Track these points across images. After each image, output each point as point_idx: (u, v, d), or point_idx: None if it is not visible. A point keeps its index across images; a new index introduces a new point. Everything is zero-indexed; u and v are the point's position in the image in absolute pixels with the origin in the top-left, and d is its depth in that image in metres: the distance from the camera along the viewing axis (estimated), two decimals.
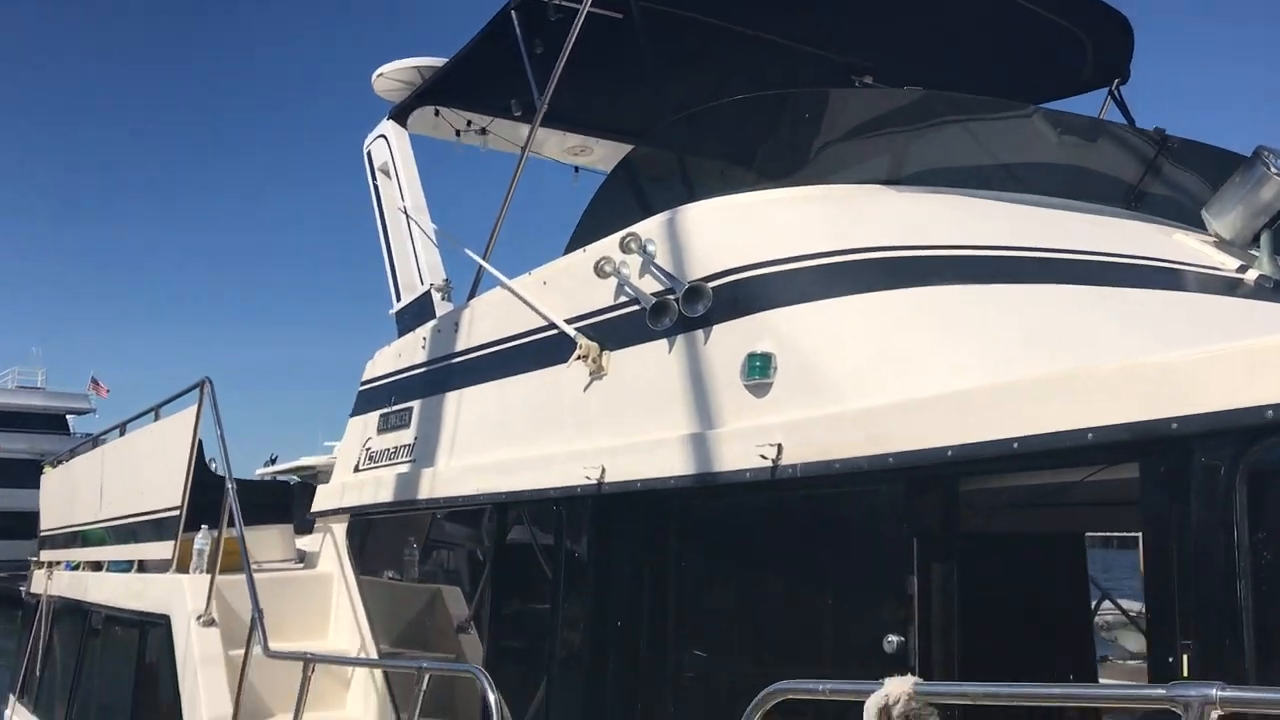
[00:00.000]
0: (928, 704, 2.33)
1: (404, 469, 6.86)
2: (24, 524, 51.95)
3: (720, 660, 4.62)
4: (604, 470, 4.91)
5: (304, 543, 10.40)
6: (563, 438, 5.39)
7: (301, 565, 8.36)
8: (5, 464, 54.56)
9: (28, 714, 11.79)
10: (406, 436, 6.98)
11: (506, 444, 5.87)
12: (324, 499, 7.88)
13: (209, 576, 7.13)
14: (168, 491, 7.93)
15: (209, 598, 6.82)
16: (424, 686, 4.35)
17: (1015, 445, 3.20)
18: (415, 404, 6.97)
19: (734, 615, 4.60)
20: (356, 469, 7.60)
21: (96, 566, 10.53)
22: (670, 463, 4.56)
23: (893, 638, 3.62)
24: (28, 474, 55.34)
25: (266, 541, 8.71)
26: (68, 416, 62.03)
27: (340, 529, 7.58)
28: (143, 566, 9.03)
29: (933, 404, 3.52)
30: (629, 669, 4.86)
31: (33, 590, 12.93)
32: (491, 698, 3.88)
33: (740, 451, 4.18)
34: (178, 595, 7.12)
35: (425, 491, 6.41)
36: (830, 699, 2.85)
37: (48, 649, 11.50)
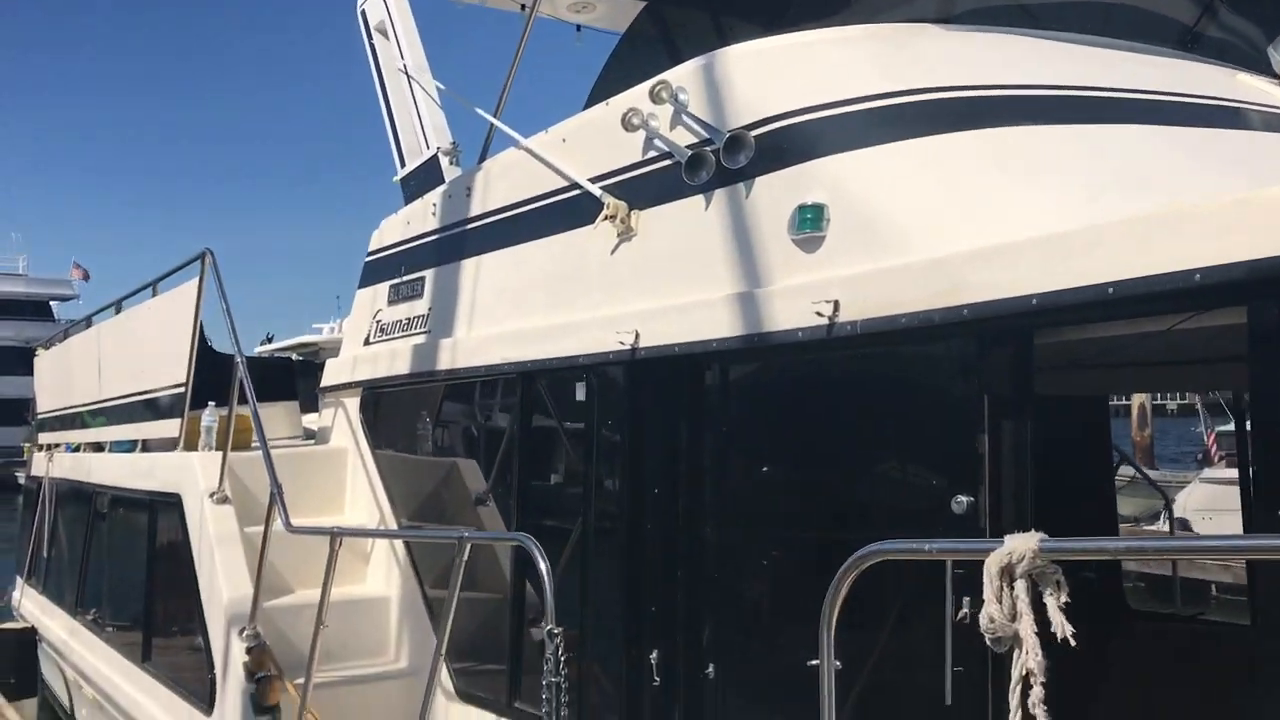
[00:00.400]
0: (1052, 561, 2.13)
1: (419, 340, 6.61)
2: (14, 411, 52.15)
3: (764, 529, 4.45)
4: (638, 335, 4.67)
5: (310, 420, 10.25)
6: (590, 303, 5.14)
7: (312, 442, 8.17)
8: None
9: (37, 595, 11.75)
10: (420, 307, 6.71)
11: (529, 312, 5.62)
12: (334, 373, 7.64)
13: (220, 454, 6.93)
14: (170, 369, 7.68)
15: (222, 475, 6.63)
16: (464, 558, 4.18)
17: (1110, 290, 2.96)
18: (428, 273, 6.69)
19: (780, 481, 4.42)
20: (367, 342, 7.35)
21: (98, 448, 10.35)
22: (711, 324, 4.32)
23: (962, 498, 3.43)
24: (16, 361, 55.40)
25: (272, 419, 8.49)
26: (52, 303, 61.52)
27: (353, 403, 7.37)
28: (146, 446, 8.84)
29: (1015, 251, 3.27)
30: (666, 539, 4.70)
31: (34, 473, 12.78)
32: (543, 566, 3.70)
33: (791, 309, 3.93)
34: (188, 473, 6.93)
35: (444, 363, 6.18)
36: (934, 559, 2.66)
37: (53, 531, 11.39)
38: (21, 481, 43.60)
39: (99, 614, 9.17)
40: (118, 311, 9.38)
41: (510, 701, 5.39)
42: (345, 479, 7.33)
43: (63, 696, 11.19)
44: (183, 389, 7.46)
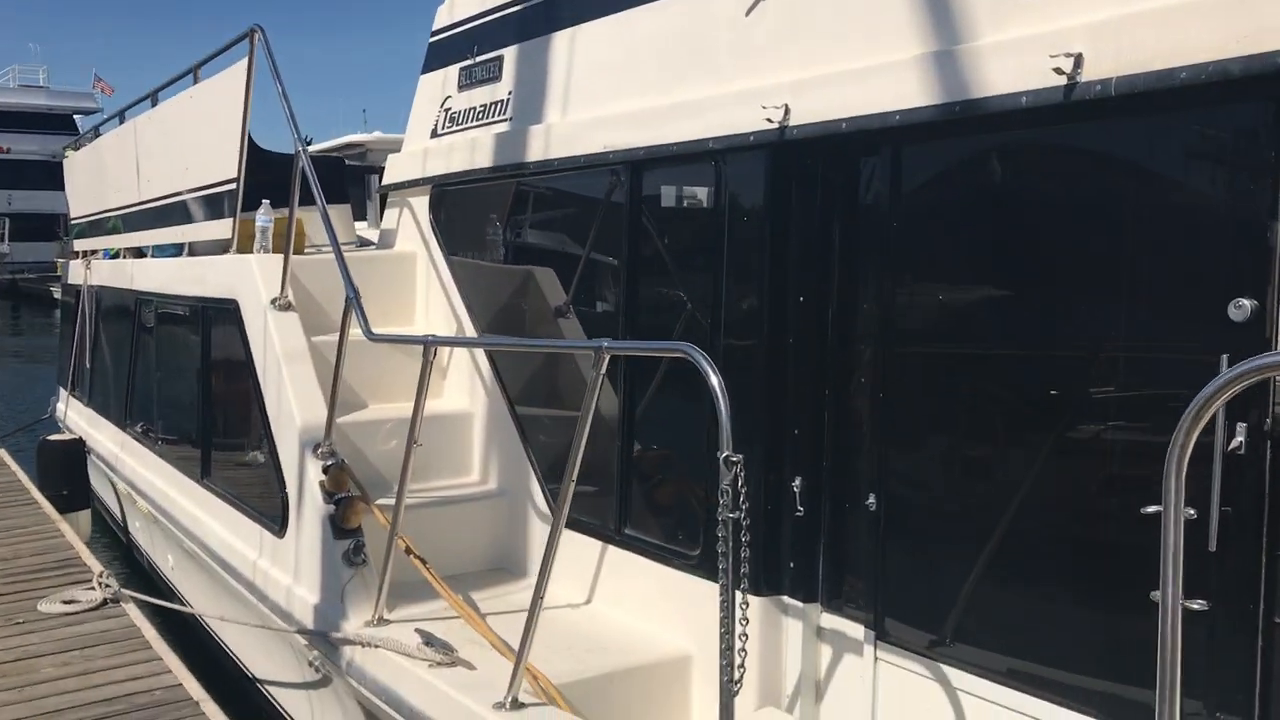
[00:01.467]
0: None
1: (500, 128, 5.86)
2: (45, 226, 51.95)
3: (944, 344, 3.77)
4: (787, 110, 3.91)
5: (360, 228, 9.58)
6: (719, 77, 4.36)
7: (373, 246, 7.52)
8: (19, 165, 53.66)
9: (81, 406, 11.36)
10: (498, 90, 5.93)
11: (637, 91, 4.85)
12: (398, 169, 6.91)
13: (280, 256, 6.28)
14: (218, 164, 6.97)
15: (284, 279, 5.99)
16: (603, 370, 3.54)
17: None
18: (508, 51, 5.87)
19: (974, 290, 3.70)
20: (435, 134, 6.59)
21: (139, 253, 9.76)
22: (890, 92, 3.55)
23: (1244, 301, 2.74)
24: (43, 175, 55.02)
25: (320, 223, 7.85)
26: (75, 116, 60.30)
27: (420, 203, 6.66)
28: (193, 250, 8.21)
29: None
30: (814, 354, 4.06)
31: (71, 281, 12.23)
32: (715, 381, 3.06)
33: (1014, 67, 3.16)
34: (246, 278, 6.30)
35: (531, 153, 5.43)
36: None
37: (95, 341, 10.91)
38: (57, 294, 43.73)
39: (149, 427, 8.72)
40: (154, 104, 8.60)
41: (619, 528, 4.86)
42: (415, 286, 6.69)
43: (114, 509, 10.92)
44: (233, 185, 6.76)
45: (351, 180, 9.91)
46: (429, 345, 4.49)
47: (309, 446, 5.44)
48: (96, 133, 11.04)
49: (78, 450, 10.74)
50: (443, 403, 6.29)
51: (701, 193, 4.51)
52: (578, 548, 5.04)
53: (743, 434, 4.27)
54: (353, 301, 5.09)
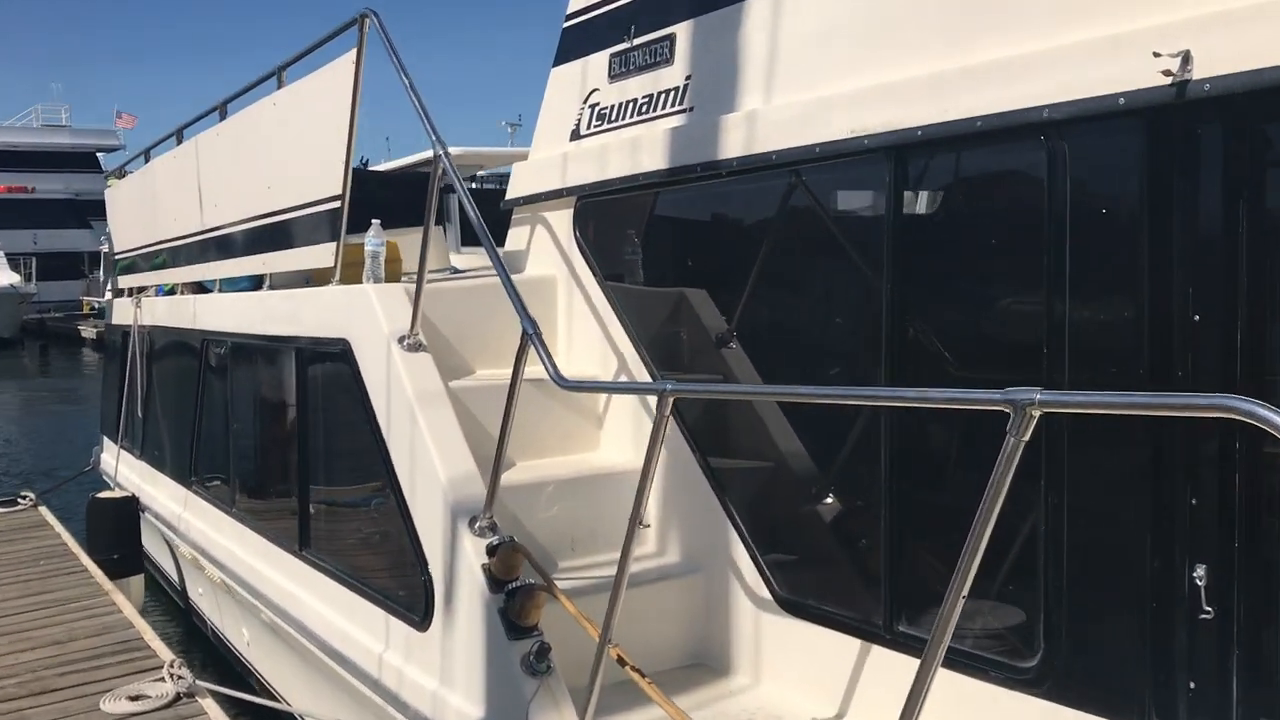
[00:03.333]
0: None
1: (673, 122, 4.79)
2: (71, 264, 51.38)
3: None
4: (1187, 58, 2.83)
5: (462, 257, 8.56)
6: (1054, 21, 3.27)
7: (467, 274, 6.46)
8: (44, 205, 53.20)
9: (133, 460, 10.30)
10: (670, 76, 4.87)
11: (896, 57, 3.77)
12: (527, 180, 5.84)
13: (402, 286, 5.23)
14: (313, 180, 5.92)
15: (416, 312, 4.91)
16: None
17: None
18: (681, 28, 4.82)
19: None
20: (577, 135, 5.53)
21: (199, 288, 8.71)
22: None
23: None
24: (67, 214, 54.63)
25: (413, 248, 6.79)
26: (99, 154, 59.90)
27: (560, 218, 5.60)
28: (272, 285, 7.18)
29: None
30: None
31: (116, 321, 11.20)
32: None
33: None
34: (362, 312, 5.22)
35: (730, 148, 4.35)
36: None
37: (147, 387, 9.86)
38: (85, 333, 42.89)
39: (222, 485, 7.64)
40: (223, 117, 7.55)
41: (889, 623, 3.74)
42: (556, 317, 5.62)
43: (171, 571, 9.85)
44: (335, 203, 5.71)
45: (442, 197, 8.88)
46: (665, 395, 3.37)
47: (461, 517, 4.35)
48: (146, 158, 10.02)
49: (130, 509, 9.70)
50: (601, 456, 5.21)
51: (1015, 181, 3.42)
52: (823, 644, 3.94)
53: (1105, 505, 3.17)
54: (532, 338, 3.99)
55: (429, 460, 4.57)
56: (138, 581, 9.71)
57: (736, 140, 4.29)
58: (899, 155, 3.65)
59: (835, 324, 4.16)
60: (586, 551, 4.77)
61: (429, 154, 9.50)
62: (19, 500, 11.30)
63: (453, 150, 9.40)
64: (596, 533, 4.82)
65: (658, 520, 4.88)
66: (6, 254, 44.12)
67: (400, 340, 4.92)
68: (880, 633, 3.76)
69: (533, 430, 5.10)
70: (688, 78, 4.74)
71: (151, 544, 10.02)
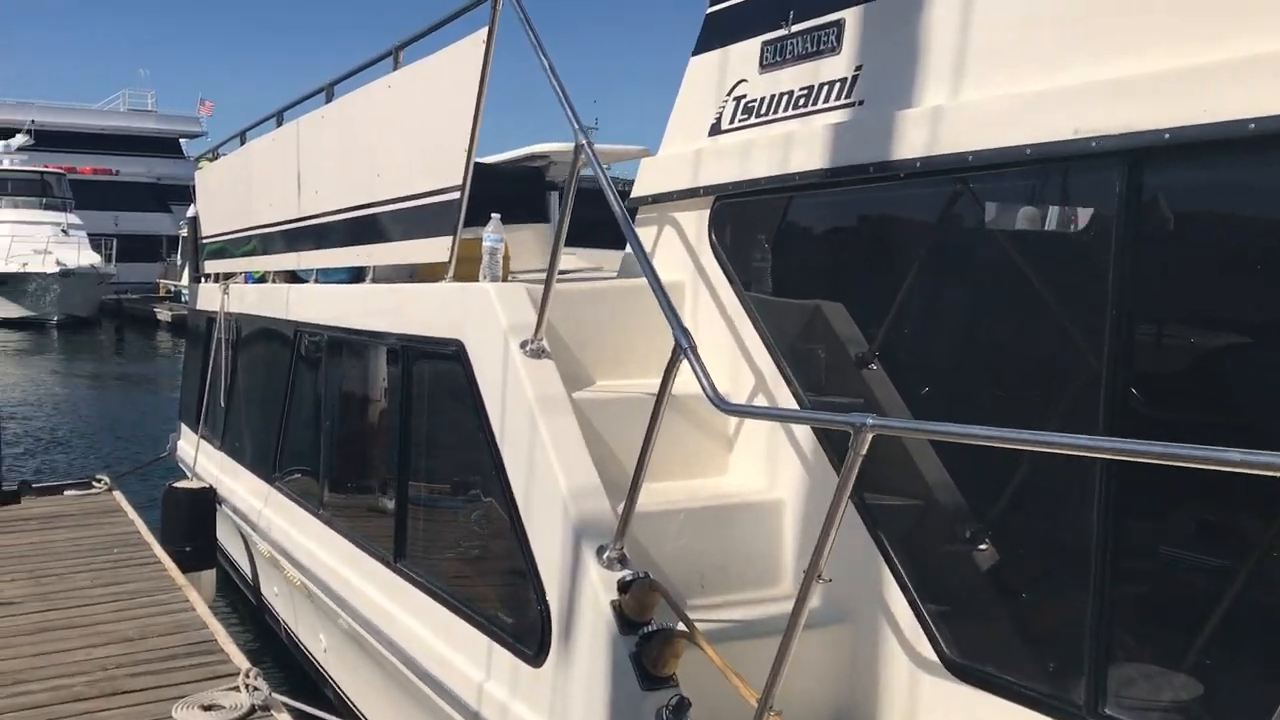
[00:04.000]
0: None
1: (835, 117, 4.32)
2: (149, 247, 52.03)
3: None
4: None
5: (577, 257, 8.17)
6: None
7: (606, 273, 6.03)
8: (127, 188, 54.07)
9: (212, 450, 10.02)
10: (834, 66, 4.39)
11: (1123, 48, 3.27)
12: (655, 178, 5.40)
13: (524, 286, 4.82)
14: (431, 167, 5.53)
15: (541, 316, 4.48)
16: None
17: None
18: (850, 13, 4.34)
19: None
20: (717, 130, 5.08)
21: (293, 277, 8.40)
22: None
23: None
24: (148, 197, 55.47)
25: (521, 246, 6.40)
26: (181, 140, 60.78)
27: (693, 219, 5.15)
28: (375, 278, 6.82)
29: None
30: None
31: (201, 307, 10.95)
32: None
33: None
34: (480, 312, 4.81)
35: (908, 147, 3.87)
36: None
37: (232, 376, 9.57)
38: (161, 316, 43.37)
39: (309, 485, 7.29)
40: (329, 98, 7.20)
41: (1095, 705, 3.22)
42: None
43: (244, 566, 9.55)
44: (453, 195, 5.31)
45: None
46: (863, 431, 2.88)
47: (587, 542, 3.91)
48: (242, 140, 9.73)
49: (207, 500, 9.42)
50: (731, 483, 4.74)
51: None
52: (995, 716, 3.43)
53: None
54: (686, 352, 3.53)
55: (550, 475, 4.14)
56: (209, 576, 9.43)
57: (920, 138, 3.81)
58: (1136, 161, 3.15)
59: (1036, 352, 3.64)
60: (717, 589, 4.31)
61: (538, 148, 9.17)
62: (94, 483, 11.12)
63: (558, 146, 9.05)
64: (728, 569, 4.36)
65: (796, 557, 4.41)
66: (88, 234, 44.75)
67: (522, 345, 4.50)
68: (1080, 714, 3.25)
69: (654, 449, 4.65)
70: (858, 68, 4.27)
71: (226, 537, 9.74)
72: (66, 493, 10.86)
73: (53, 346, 36.81)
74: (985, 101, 3.63)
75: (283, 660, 8.48)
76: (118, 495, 10.85)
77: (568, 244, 8.71)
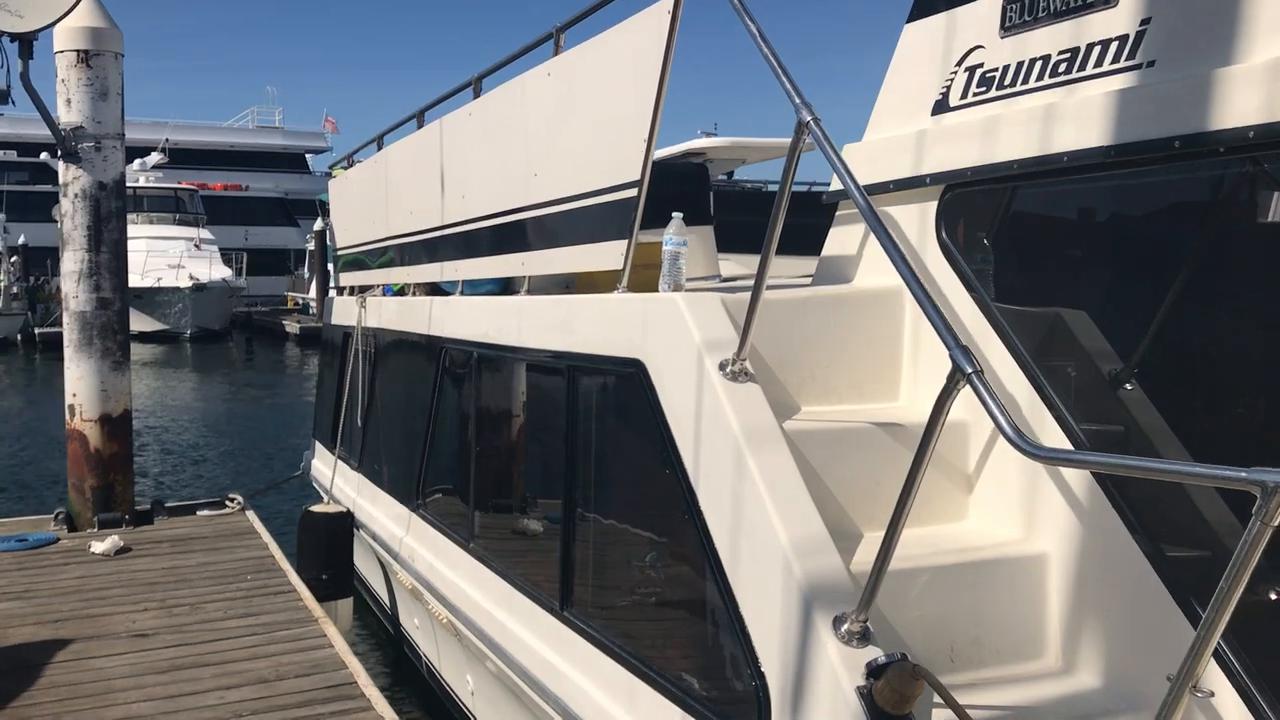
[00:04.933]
0: None
1: (1117, 83, 3.51)
2: (277, 260, 53.07)
3: None
4: None
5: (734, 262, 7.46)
6: None
7: (798, 279, 5.28)
8: (256, 203, 55.26)
9: (349, 471, 9.55)
10: (1109, 22, 3.58)
11: None
12: (864, 166, 4.61)
13: (718, 297, 4.10)
14: (601, 162, 4.86)
15: (746, 332, 3.74)
16: None
17: None
18: None
19: None
20: (944, 108, 4.30)
21: (434, 289, 7.84)
22: None
23: None
24: (276, 212, 56.82)
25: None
26: (306, 155, 61.98)
27: (915, 213, 4.37)
28: (515, 287, 6.19)
29: None
30: None
31: (337, 321, 10.51)
32: None
33: None
34: (667, 326, 4.10)
35: (1250, 112, 3.02)
36: None
37: (370, 394, 9.08)
38: (290, 328, 44.12)
39: (459, 516, 6.69)
40: (476, 94, 6.59)
41: None
42: (901, 339, 4.40)
43: (382, 593, 9.05)
44: (627, 193, 4.63)
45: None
46: (1275, 492, 2.05)
47: (819, 610, 3.16)
48: (379, 145, 9.24)
49: (345, 526, 8.93)
50: (974, 532, 3.94)
51: None
52: None
53: None
54: (971, 378, 2.75)
55: (766, 524, 3.40)
56: (346, 605, 8.94)
57: (1258, 101, 2.97)
58: None
59: None
60: (970, 664, 3.53)
61: (696, 143, 8.44)
62: (227, 503, 10.76)
63: (717, 141, 8.31)
64: (981, 640, 3.57)
65: (1063, 624, 3.59)
66: (220, 249, 45.68)
67: (721, 365, 3.77)
68: None
69: (873, 488, 3.89)
70: (1144, 21, 3.45)
71: (363, 562, 9.26)
72: (199, 513, 10.52)
73: (186, 359, 37.50)
74: None
75: (423, 697, 7.94)
76: (250, 515, 10.46)
77: (722, 249, 8.05)
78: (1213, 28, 3.20)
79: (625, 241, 4.60)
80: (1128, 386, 3.55)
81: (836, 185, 4.78)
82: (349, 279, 10.19)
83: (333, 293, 11.15)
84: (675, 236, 4.46)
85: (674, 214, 4.52)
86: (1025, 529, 3.78)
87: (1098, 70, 3.60)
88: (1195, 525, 3.25)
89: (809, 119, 3.43)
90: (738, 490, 3.56)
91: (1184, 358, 3.43)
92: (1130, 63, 3.48)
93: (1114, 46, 3.54)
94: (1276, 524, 1.98)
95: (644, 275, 4.68)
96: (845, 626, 3.10)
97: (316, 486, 10.84)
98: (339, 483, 9.57)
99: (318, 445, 11.24)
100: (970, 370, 2.71)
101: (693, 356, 3.88)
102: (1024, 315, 3.89)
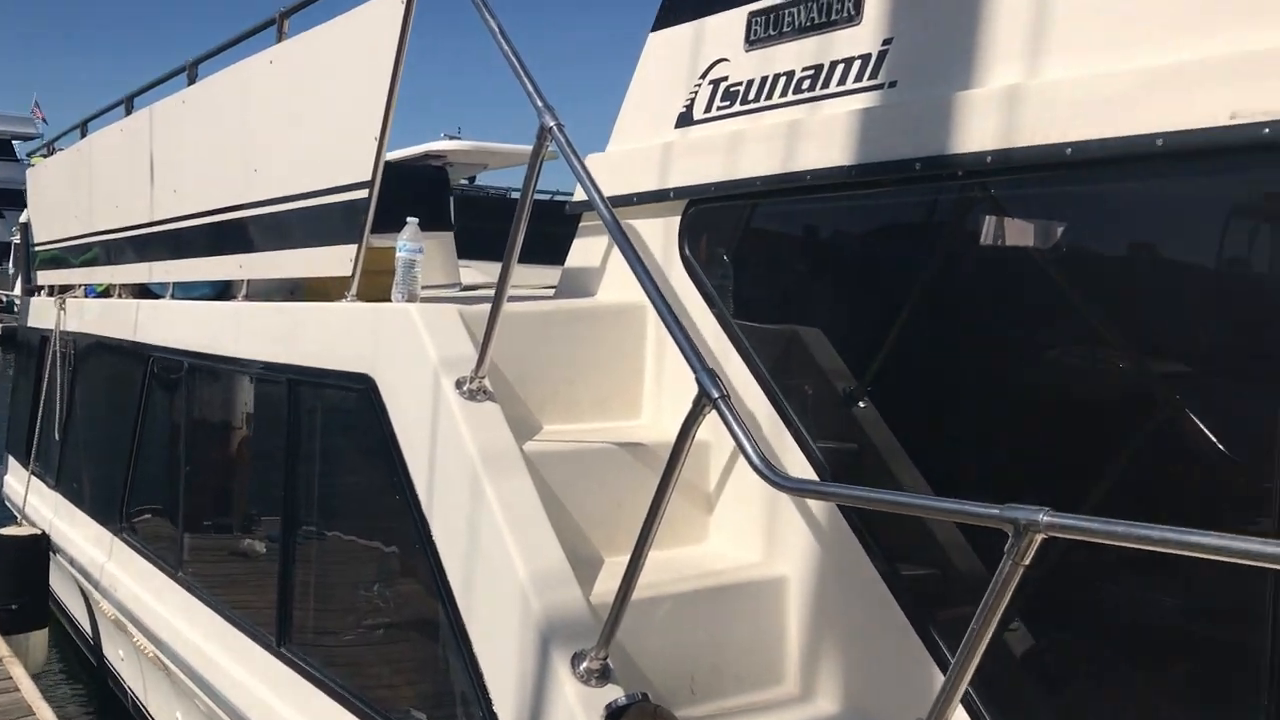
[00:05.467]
0: None
1: (859, 103, 3.48)
2: None
3: None
4: None
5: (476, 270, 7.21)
6: None
7: (538, 292, 5.07)
8: None
9: (45, 489, 8.67)
10: (853, 40, 3.55)
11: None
12: (608, 178, 4.43)
13: (455, 308, 3.83)
14: (328, 160, 4.50)
15: (486, 347, 3.49)
16: None
17: None
18: None
19: None
20: (688, 120, 4.19)
21: (143, 291, 7.19)
22: None
23: None
24: None
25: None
26: (14, 143, 57.14)
27: (658, 227, 4.24)
28: (249, 294, 5.71)
29: None
30: None
31: (33, 324, 9.54)
32: None
33: None
34: (400, 339, 3.79)
35: (987, 137, 3.02)
36: None
37: (69, 405, 8.25)
38: None
39: (164, 540, 6.12)
40: (191, 80, 6.04)
41: None
42: (642, 355, 4.26)
43: (83, 622, 8.25)
44: (356, 194, 4.30)
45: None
46: (1029, 530, 1.95)
47: (557, 649, 2.96)
48: (83, 132, 8.41)
49: (39, 550, 8.11)
50: (714, 555, 3.84)
51: None
52: None
53: None
54: (718, 404, 2.59)
55: (503, 557, 3.17)
56: (40, 637, 8.14)
57: (994, 126, 2.98)
58: None
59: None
60: (711, 694, 3.41)
61: (435, 145, 8.11)
62: None
63: (458, 145, 8.03)
64: (721, 668, 3.46)
65: (801, 649, 3.53)
66: None
67: (458, 384, 3.52)
68: None
69: (615, 511, 3.73)
70: (886, 41, 3.43)
71: (62, 587, 8.41)
72: None
73: None
74: (1093, 80, 2.82)
75: None
76: None
77: (464, 256, 7.76)
78: (952, 51, 3.21)
79: (355, 246, 4.27)
80: (861, 405, 3.53)
81: (580, 195, 4.61)
82: (47, 278, 9.27)
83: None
84: (410, 243, 4.16)
85: (409, 219, 4.23)
86: (765, 551, 3.70)
87: (841, 88, 3.57)
88: (928, 545, 3.24)
89: (552, 124, 3.23)
90: (473, 518, 3.31)
91: (914, 377, 3.43)
92: (873, 82, 3.46)
93: (856, 65, 3.52)
94: (1027, 563, 1.92)
95: (377, 282, 4.35)
96: (584, 664, 2.91)
97: (10, 506, 9.81)
98: (34, 502, 8.66)
99: (11, 460, 10.18)
100: (717, 395, 2.58)
101: (427, 373, 3.60)
102: (762, 332, 3.83)
